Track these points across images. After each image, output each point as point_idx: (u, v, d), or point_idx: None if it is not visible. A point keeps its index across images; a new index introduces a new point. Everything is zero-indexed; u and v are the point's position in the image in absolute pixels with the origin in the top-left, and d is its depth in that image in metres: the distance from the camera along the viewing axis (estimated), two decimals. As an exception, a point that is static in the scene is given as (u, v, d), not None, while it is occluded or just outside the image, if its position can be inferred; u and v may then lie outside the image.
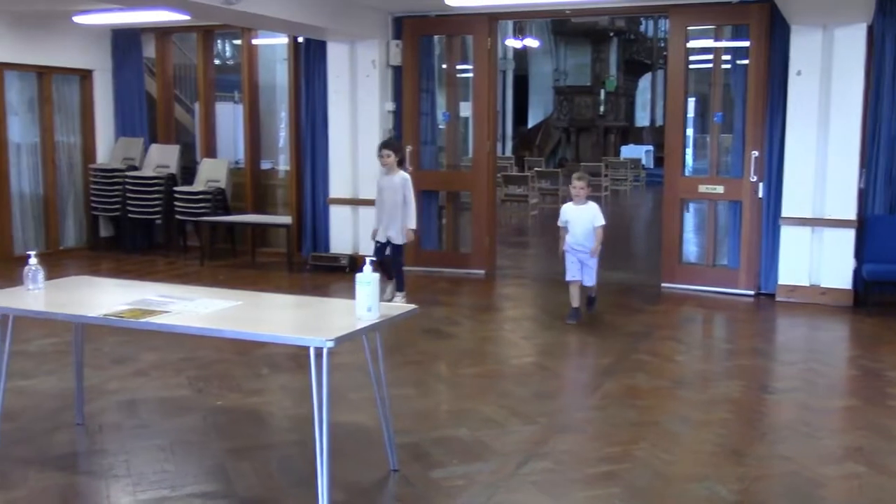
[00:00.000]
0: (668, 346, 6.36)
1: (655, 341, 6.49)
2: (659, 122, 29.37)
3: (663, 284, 8.35)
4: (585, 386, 5.27)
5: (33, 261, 4.12)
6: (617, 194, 20.02)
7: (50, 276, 4.25)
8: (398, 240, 7.33)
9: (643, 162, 23.82)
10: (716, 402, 5.02)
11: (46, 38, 9.90)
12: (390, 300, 7.09)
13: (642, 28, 28.65)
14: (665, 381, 5.45)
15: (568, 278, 6.86)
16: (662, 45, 27.60)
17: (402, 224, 7.31)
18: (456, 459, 4.05)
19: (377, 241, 7.42)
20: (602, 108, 26.66)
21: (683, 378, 5.58)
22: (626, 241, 13.29)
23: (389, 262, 7.41)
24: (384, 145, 7.38)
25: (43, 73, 10.13)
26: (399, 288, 7.50)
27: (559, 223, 6.91)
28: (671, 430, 4.54)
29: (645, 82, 30.46)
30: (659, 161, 25.09)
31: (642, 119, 30.50)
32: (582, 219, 6.79)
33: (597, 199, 18.05)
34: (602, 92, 26.69)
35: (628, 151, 25.29)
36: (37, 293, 4.09)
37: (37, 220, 10.29)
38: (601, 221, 6.78)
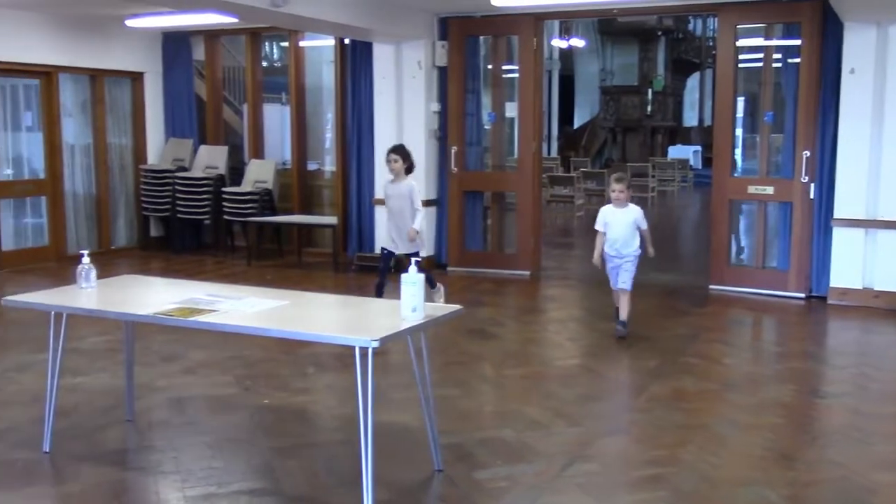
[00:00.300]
0: (717, 349, 6.27)
1: (703, 344, 6.41)
2: (707, 122, 28.98)
3: (711, 286, 8.25)
4: (631, 388, 5.22)
5: (86, 260, 4.21)
6: (664, 195, 19.82)
7: (102, 275, 4.33)
8: (410, 249, 6.84)
9: (691, 162, 23.54)
10: (765, 405, 4.94)
11: (99, 41, 10.10)
12: (435, 300, 6.88)
13: (691, 27, 28.29)
14: (713, 383, 5.38)
15: (612, 285, 6.53)
16: (711, 43, 27.24)
17: (413, 238, 6.98)
18: (500, 460, 4.04)
19: (384, 249, 7.15)
20: (649, 108, 26.39)
21: (732, 381, 5.51)
22: (672, 242, 13.16)
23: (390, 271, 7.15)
24: (393, 150, 7.02)
25: (96, 76, 10.33)
26: (432, 284, 7.19)
27: (597, 226, 6.45)
28: (719, 433, 4.47)
29: (693, 81, 30.09)
30: (707, 161, 24.77)
31: (690, 119, 30.13)
32: (622, 222, 6.35)
33: (643, 201, 18.12)
34: (649, 91, 26.44)
35: (676, 152, 25.00)
36: (89, 292, 4.17)
37: (89, 220, 10.50)
38: (645, 224, 6.39)
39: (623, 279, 6.35)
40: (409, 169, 6.96)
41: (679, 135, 28.05)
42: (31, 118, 9.89)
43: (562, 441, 4.31)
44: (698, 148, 25.75)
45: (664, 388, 5.20)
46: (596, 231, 6.48)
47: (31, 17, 9.29)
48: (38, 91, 9.79)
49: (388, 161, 6.94)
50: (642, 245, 6.41)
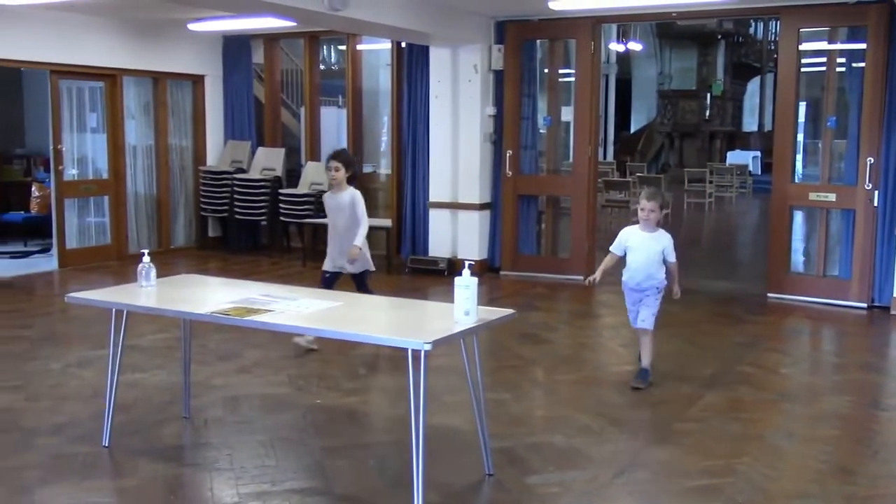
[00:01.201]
0: (774, 358, 6.16)
1: (760, 353, 6.30)
2: (767, 127, 28.51)
3: (769, 294, 8.10)
4: (686, 397, 5.15)
5: (146, 259, 4.30)
6: (722, 201, 19.52)
7: (161, 274, 4.41)
8: (355, 269, 6.00)
9: (750, 168, 23.13)
10: (823, 417, 4.83)
11: (162, 45, 10.31)
12: (306, 346, 5.91)
13: (751, 30, 27.87)
14: (770, 394, 5.28)
15: (632, 324, 5.48)
16: (773, 47, 26.80)
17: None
18: (551, 466, 4.02)
19: (325, 272, 6.05)
20: (708, 113, 26.04)
21: (789, 391, 5.40)
22: (730, 249, 12.97)
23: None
24: (333, 156, 6.02)
25: (158, 79, 10.55)
26: None
27: (612, 248, 5.37)
28: (775, 444, 4.39)
29: (753, 86, 29.62)
30: (767, 167, 24.36)
31: (750, 124, 29.65)
32: (647, 249, 5.22)
33: (700, 207, 17.85)
34: (708, 96, 26.08)
35: (734, 157, 24.60)
36: (149, 290, 4.26)
37: (150, 220, 10.72)
38: (674, 257, 5.29)
39: (643, 316, 5.30)
40: (353, 178, 6.05)
41: (738, 140, 27.62)
42: (96, 120, 10.13)
43: (614, 448, 4.27)
44: (758, 153, 25.30)
45: (719, 398, 5.12)
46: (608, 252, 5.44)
47: (96, 22, 9.53)
48: (103, 93, 10.03)
49: (329, 169, 5.97)
50: (668, 278, 5.36)
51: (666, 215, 5.57)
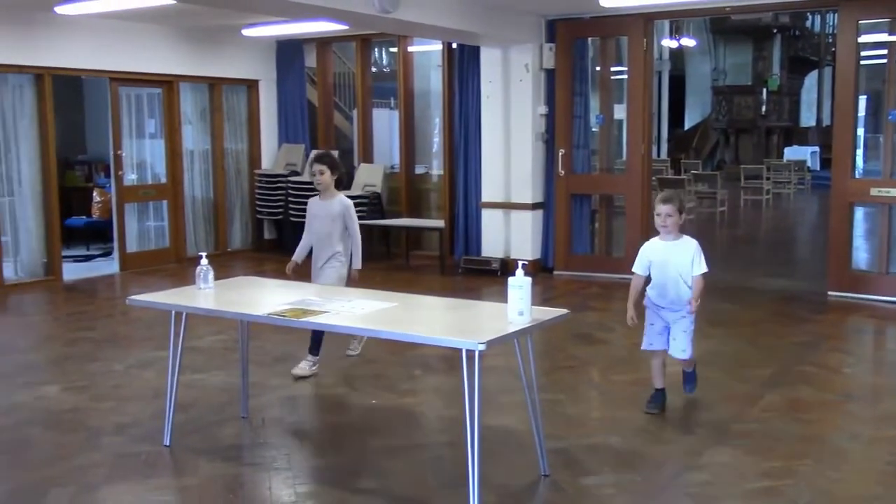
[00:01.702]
0: (836, 358, 6.03)
1: (822, 352, 6.17)
2: (826, 122, 27.88)
3: (830, 292, 7.93)
4: (745, 397, 5.07)
5: (204, 261, 4.38)
6: (779, 198, 19.18)
7: (218, 276, 4.49)
8: (330, 282, 5.41)
9: (808, 164, 22.68)
10: (888, 418, 4.72)
11: (217, 51, 10.48)
12: (303, 374, 5.44)
13: (808, 23, 27.31)
14: (832, 394, 5.17)
15: (644, 346, 4.79)
16: (830, 40, 26.23)
17: (340, 264, 5.52)
18: (607, 467, 3.99)
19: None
20: (764, 108, 25.59)
21: (852, 392, 5.28)
22: (789, 246, 12.73)
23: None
24: (318, 159, 5.57)
25: (214, 84, 10.72)
26: (313, 350, 5.47)
27: (634, 269, 4.75)
28: (838, 446, 4.30)
29: (811, 80, 29.02)
30: (826, 163, 23.85)
31: (808, 119, 29.06)
32: (672, 262, 4.61)
33: (756, 204, 17.55)
34: (764, 91, 25.63)
35: (792, 153, 24.14)
36: (207, 292, 4.33)
37: (207, 223, 10.89)
38: (703, 268, 4.59)
39: (681, 343, 4.65)
40: (339, 182, 5.63)
41: (795, 135, 27.09)
42: (154, 125, 10.34)
43: (671, 449, 4.22)
44: (816, 149, 24.80)
45: (780, 398, 5.03)
46: (632, 274, 4.79)
47: (154, 30, 9.73)
48: (161, 99, 10.23)
49: (313, 174, 5.51)
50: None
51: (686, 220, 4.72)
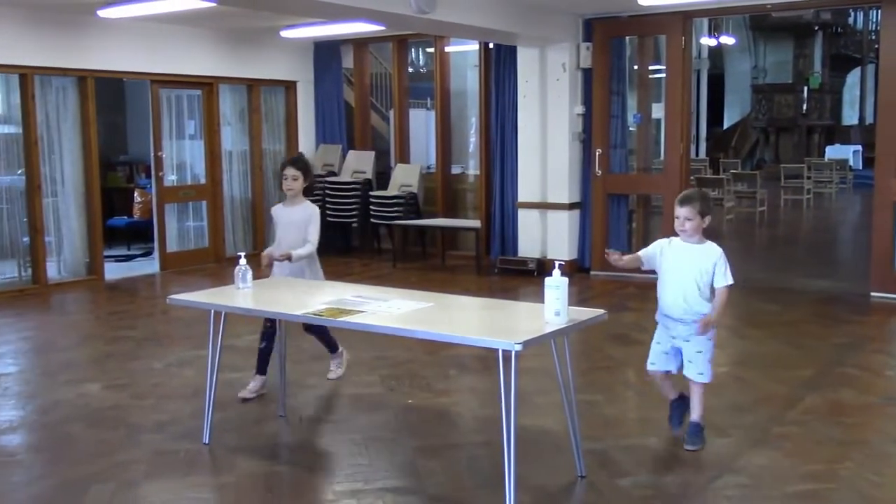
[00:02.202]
0: (879, 360, 5.93)
1: (864, 354, 6.07)
2: (869, 120, 27.43)
3: (872, 294, 7.80)
4: (784, 399, 5.00)
5: (243, 261, 4.41)
6: (821, 197, 18.90)
7: (257, 276, 4.53)
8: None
9: (850, 163, 22.33)
10: (933, 422, 4.63)
11: (255, 53, 10.58)
12: (335, 377, 5.38)
13: (850, 20, 26.89)
14: (875, 397, 5.08)
15: (648, 366, 4.32)
16: (874, 37, 25.80)
17: (306, 277, 5.07)
18: (645, 469, 3.96)
19: None
20: (805, 107, 25.24)
21: (895, 395, 5.19)
22: (830, 246, 12.55)
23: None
24: (292, 163, 5.18)
25: (252, 86, 10.82)
26: (333, 349, 5.44)
27: (642, 252, 4.29)
28: (881, 450, 4.22)
29: (853, 78, 28.57)
30: (868, 162, 23.46)
31: (850, 117, 28.61)
32: (691, 266, 4.06)
33: (797, 204, 17.31)
34: (805, 89, 25.28)
35: (834, 152, 23.79)
36: (246, 292, 4.37)
37: (245, 223, 11.00)
38: (728, 279, 4.03)
39: (697, 367, 4.14)
40: (309, 189, 5.21)
41: (837, 134, 26.69)
42: (194, 127, 10.46)
43: (709, 452, 4.18)
44: (859, 147, 24.40)
45: (820, 400, 4.96)
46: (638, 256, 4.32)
47: (194, 32, 9.85)
48: (200, 101, 10.35)
49: (285, 178, 5.11)
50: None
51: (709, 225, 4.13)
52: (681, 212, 4.08)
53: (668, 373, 4.29)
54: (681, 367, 4.24)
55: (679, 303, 4.10)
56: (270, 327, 4.96)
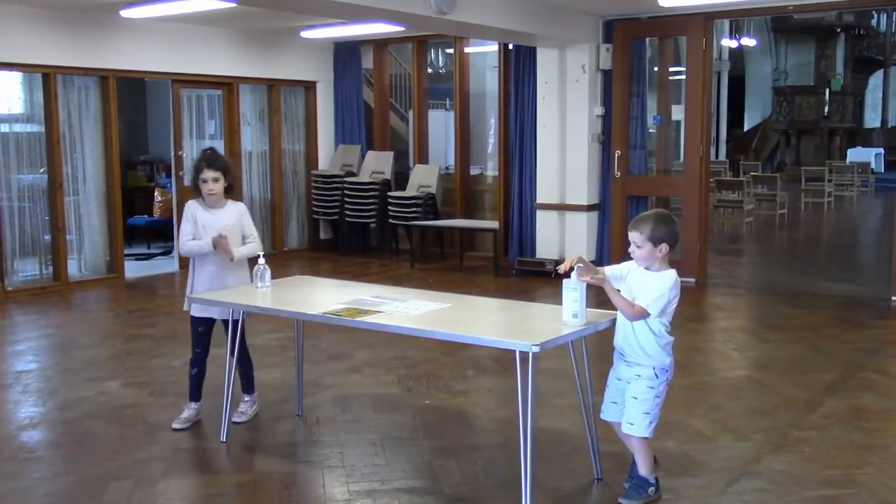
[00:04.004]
0: (900, 365, 5.87)
1: (885, 359, 6.01)
2: (892, 123, 27.22)
3: (894, 298, 7.72)
4: (804, 403, 4.97)
5: (262, 261, 4.43)
6: (842, 200, 18.75)
7: (275, 275, 4.54)
8: (224, 312, 4.46)
9: (872, 166, 22.13)
10: (955, 428, 4.58)
11: (276, 53, 10.63)
12: (241, 420, 4.67)
13: (874, 22, 26.66)
14: None
15: (602, 412, 3.72)
16: (897, 39, 25.61)
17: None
18: (663, 472, 3.93)
19: (195, 319, 4.60)
20: (826, 109, 25.05)
21: (917, 400, 5.14)
22: (852, 250, 12.44)
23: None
24: (210, 163, 4.52)
25: (272, 86, 10.86)
26: (249, 389, 4.80)
27: (607, 270, 3.62)
28: (902, 455, 4.19)
29: (876, 80, 28.31)
30: (891, 165, 23.28)
31: (872, 120, 28.36)
32: (634, 287, 3.53)
33: (818, 207, 17.16)
34: (827, 91, 25.09)
35: (856, 154, 23.59)
36: (265, 291, 4.39)
37: (265, 223, 11.04)
38: (650, 306, 3.43)
39: (628, 412, 3.55)
40: (230, 188, 4.63)
41: (859, 137, 26.47)
42: (214, 126, 10.52)
43: (728, 455, 4.16)
44: (881, 150, 24.19)
45: (841, 405, 4.92)
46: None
47: (214, 32, 9.90)
48: (221, 101, 10.40)
49: (204, 181, 4.50)
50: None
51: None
52: (630, 236, 3.52)
53: (617, 425, 3.63)
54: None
55: (622, 337, 3.55)
56: (200, 352, 4.60)
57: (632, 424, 3.53)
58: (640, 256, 3.49)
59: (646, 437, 3.54)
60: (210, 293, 4.49)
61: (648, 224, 3.47)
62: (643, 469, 3.60)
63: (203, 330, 4.60)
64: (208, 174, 4.50)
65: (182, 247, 4.58)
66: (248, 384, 4.77)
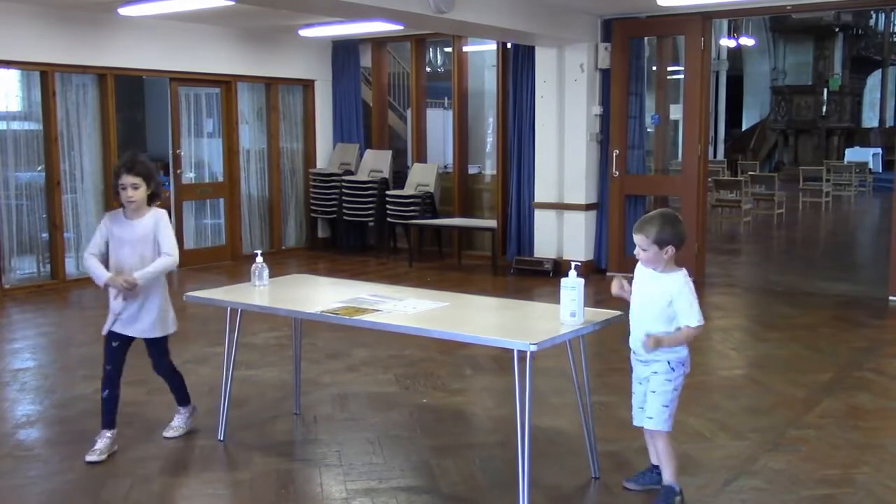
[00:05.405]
0: (897, 365, 5.88)
1: (882, 358, 6.02)
2: (889, 123, 27.26)
3: (891, 297, 7.74)
4: (801, 402, 4.97)
5: (259, 259, 4.43)
6: (840, 200, 18.77)
7: (273, 273, 4.54)
8: (154, 332, 4.22)
9: (870, 166, 22.14)
10: (952, 427, 4.59)
11: (274, 51, 10.62)
12: (174, 434, 4.41)
13: (872, 22, 26.69)
14: (892, 401, 5.05)
15: (634, 421, 3.69)
16: (895, 39, 25.61)
17: (160, 305, 4.19)
18: (659, 471, 3.94)
19: (111, 335, 4.20)
20: (824, 109, 25.07)
21: (914, 400, 5.14)
22: (849, 250, 12.46)
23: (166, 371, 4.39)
24: (129, 168, 4.07)
25: (270, 84, 10.86)
26: (183, 401, 4.50)
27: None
28: (898, 455, 4.19)
29: (874, 80, 28.35)
30: (889, 165, 23.30)
31: (870, 119, 28.39)
32: (648, 296, 3.51)
33: (816, 207, 17.17)
34: (825, 91, 25.11)
35: (853, 154, 23.59)
36: (262, 289, 4.39)
37: (262, 221, 11.04)
38: (695, 318, 3.39)
39: (650, 409, 3.52)
40: (154, 196, 4.17)
41: (857, 136, 26.49)
42: (212, 125, 10.51)
43: (725, 454, 4.16)
44: (879, 150, 24.21)
45: (838, 404, 4.93)
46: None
47: (213, 31, 9.89)
48: (219, 99, 10.40)
49: (123, 188, 4.05)
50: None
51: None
52: (635, 239, 3.49)
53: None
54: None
55: (640, 340, 3.48)
56: (111, 370, 4.16)
57: (651, 418, 3.52)
58: (645, 259, 3.47)
59: (667, 432, 3.53)
60: (212, 290, 4.52)
61: (653, 226, 3.41)
62: (669, 477, 3.56)
63: (117, 345, 4.16)
64: (126, 180, 4.04)
65: (84, 260, 4.15)
66: (181, 397, 4.46)
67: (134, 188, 4.04)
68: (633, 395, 3.64)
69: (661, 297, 3.45)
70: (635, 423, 3.64)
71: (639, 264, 3.58)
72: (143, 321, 4.16)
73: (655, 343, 3.38)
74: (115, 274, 4.04)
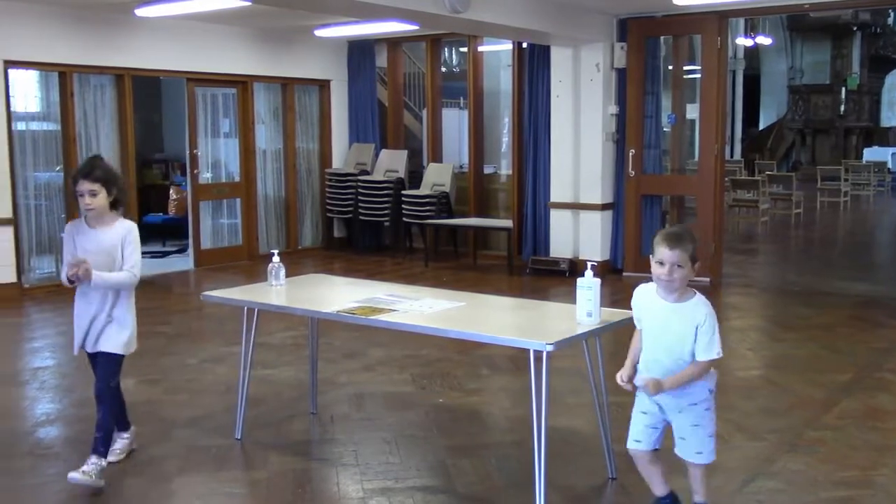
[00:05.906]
0: (916, 366, 5.83)
1: (901, 359, 5.98)
2: (909, 122, 27.03)
3: (911, 298, 7.69)
4: (819, 403, 4.94)
5: (276, 259, 4.45)
6: (858, 200, 18.63)
7: (289, 273, 4.55)
8: (117, 347, 3.98)
9: (889, 165, 21.97)
10: (972, 429, 4.55)
11: (290, 51, 10.65)
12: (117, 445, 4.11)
13: (890, 20, 26.48)
14: (912, 403, 5.01)
15: (629, 444, 3.34)
16: (914, 38, 25.41)
17: (125, 322, 4.02)
18: (676, 472, 3.92)
19: (89, 354, 4.09)
20: (843, 108, 24.89)
21: (933, 401, 5.10)
22: (867, 249, 12.37)
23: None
24: (87, 174, 3.81)
25: (286, 84, 10.89)
26: (123, 427, 4.16)
27: (636, 321, 3.35)
28: (918, 456, 4.16)
29: (893, 79, 28.11)
30: (908, 164, 23.09)
31: (889, 119, 28.15)
32: (671, 330, 3.17)
33: (834, 207, 17.07)
34: (843, 90, 24.93)
35: (872, 154, 23.40)
36: (279, 289, 4.40)
37: (279, 221, 11.07)
38: (715, 351, 3.15)
39: (694, 446, 3.24)
40: (117, 203, 3.90)
41: (876, 136, 26.28)
42: (229, 125, 10.55)
43: (742, 455, 4.14)
44: (897, 150, 24.01)
45: (856, 405, 4.89)
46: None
47: (229, 31, 9.93)
48: (235, 99, 10.43)
49: (80, 195, 3.79)
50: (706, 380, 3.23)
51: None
52: (668, 256, 3.10)
53: (655, 452, 3.33)
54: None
55: (660, 368, 3.16)
56: (113, 384, 4.01)
57: (700, 454, 3.24)
58: (679, 278, 3.11)
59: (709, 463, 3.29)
60: (229, 290, 4.55)
61: (688, 240, 3.11)
62: (702, 496, 3.37)
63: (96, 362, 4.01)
64: (84, 186, 3.76)
65: (62, 273, 3.87)
66: (121, 423, 4.14)
67: (92, 195, 3.77)
68: (642, 414, 3.30)
69: (687, 331, 3.12)
70: (641, 447, 3.31)
71: (639, 296, 3.30)
72: (104, 343, 3.95)
73: (656, 389, 3.09)
74: (82, 261, 3.72)
